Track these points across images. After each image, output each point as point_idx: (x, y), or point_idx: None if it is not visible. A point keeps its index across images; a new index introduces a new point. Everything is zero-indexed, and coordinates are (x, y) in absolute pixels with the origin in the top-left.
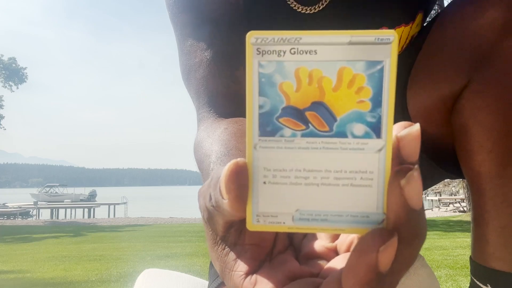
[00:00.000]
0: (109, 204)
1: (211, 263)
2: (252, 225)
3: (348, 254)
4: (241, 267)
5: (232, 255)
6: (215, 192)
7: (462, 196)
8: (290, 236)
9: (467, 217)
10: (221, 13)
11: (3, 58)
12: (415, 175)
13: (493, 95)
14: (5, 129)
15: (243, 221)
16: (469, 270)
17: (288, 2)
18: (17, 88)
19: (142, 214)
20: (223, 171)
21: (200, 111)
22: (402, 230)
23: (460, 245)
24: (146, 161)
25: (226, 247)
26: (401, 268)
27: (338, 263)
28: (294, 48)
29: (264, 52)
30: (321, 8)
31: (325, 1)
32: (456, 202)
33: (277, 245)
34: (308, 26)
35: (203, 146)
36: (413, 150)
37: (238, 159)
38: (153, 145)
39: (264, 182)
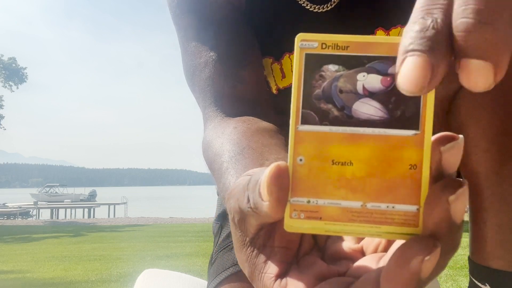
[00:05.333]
0: (109, 204)
1: (209, 262)
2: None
3: (376, 254)
4: (271, 269)
5: (262, 257)
6: (254, 194)
7: None
8: (314, 237)
9: (467, 217)
10: (224, 14)
11: (3, 58)
12: (466, 192)
13: (488, 95)
14: (5, 129)
15: (273, 223)
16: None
17: (299, 1)
18: (17, 88)
19: (142, 214)
20: (265, 174)
21: (207, 110)
22: (442, 242)
23: (460, 245)
24: (146, 161)
25: (255, 249)
26: (434, 274)
27: (367, 263)
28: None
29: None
30: (331, 7)
31: (335, 1)
32: None
33: (303, 246)
34: (316, 25)
35: (213, 146)
36: (455, 163)
37: (279, 162)
38: (153, 145)
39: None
